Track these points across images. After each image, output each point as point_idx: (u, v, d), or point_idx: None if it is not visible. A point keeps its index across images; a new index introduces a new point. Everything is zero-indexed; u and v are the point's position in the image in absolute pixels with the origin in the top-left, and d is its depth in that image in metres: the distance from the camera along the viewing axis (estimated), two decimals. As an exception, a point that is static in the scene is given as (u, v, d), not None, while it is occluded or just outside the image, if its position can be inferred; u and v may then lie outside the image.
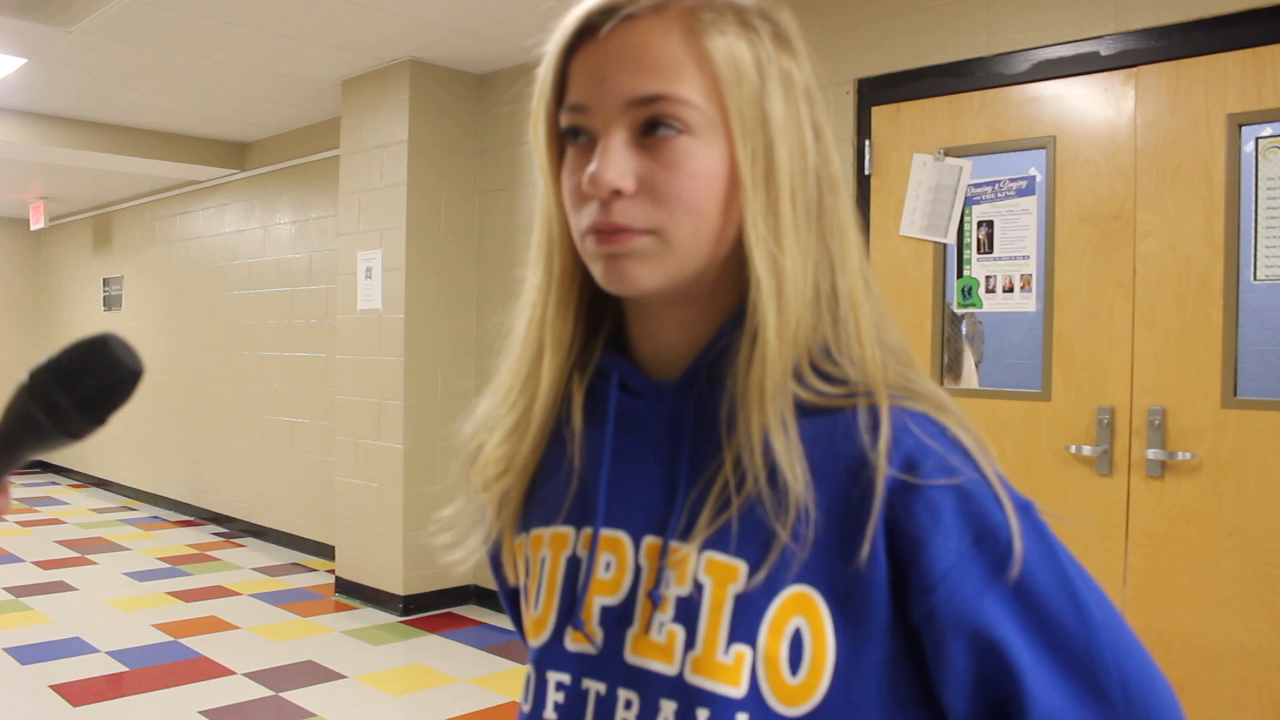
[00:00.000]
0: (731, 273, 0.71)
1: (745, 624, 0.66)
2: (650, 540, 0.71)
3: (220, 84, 5.17)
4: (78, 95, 5.44)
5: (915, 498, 0.64)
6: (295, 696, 3.70)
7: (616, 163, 0.66)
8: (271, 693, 3.74)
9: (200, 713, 3.51)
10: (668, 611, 0.68)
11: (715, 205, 0.68)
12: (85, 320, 9.07)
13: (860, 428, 0.66)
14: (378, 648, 4.33)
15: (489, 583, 4.95)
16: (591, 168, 0.67)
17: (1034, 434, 3.02)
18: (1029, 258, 3.06)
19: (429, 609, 4.88)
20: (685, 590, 0.68)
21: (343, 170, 5.14)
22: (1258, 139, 2.65)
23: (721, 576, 0.67)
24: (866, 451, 0.65)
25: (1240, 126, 2.66)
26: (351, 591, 5.09)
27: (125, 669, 3.96)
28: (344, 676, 3.94)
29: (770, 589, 0.66)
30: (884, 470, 0.64)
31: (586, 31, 0.69)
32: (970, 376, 3.35)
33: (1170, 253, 2.77)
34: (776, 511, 0.66)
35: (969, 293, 3.19)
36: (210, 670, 3.96)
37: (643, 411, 0.74)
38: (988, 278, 3.15)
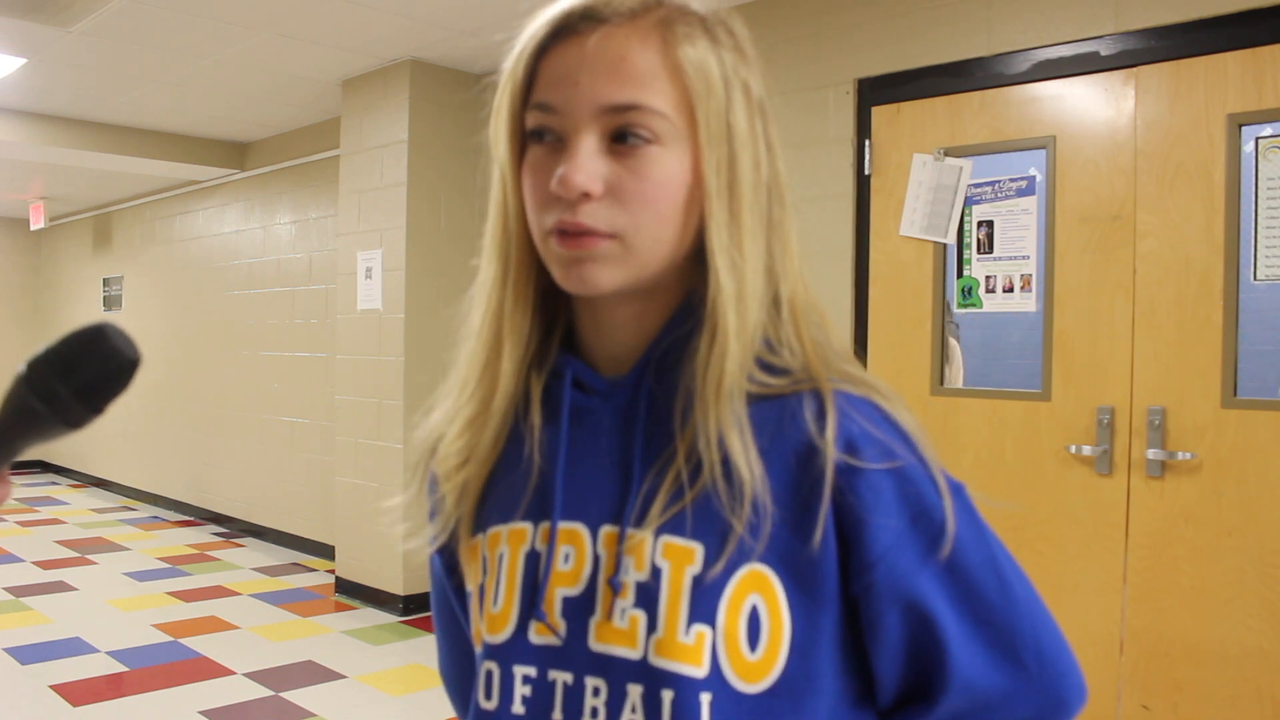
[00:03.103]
0: (681, 272, 0.74)
1: (704, 604, 0.68)
2: (607, 529, 0.72)
3: (220, 84, 5.18)
4: (78, 95, 5.44)
5: (858, 479, 0.68)
6: (295, 696, 3.70)
7: (586, 166, 0.68)
8: (271, 693, 3.74)
9: (200, 713, 3.51)
10: (628, 597, 0.70)
11: (677, 212, 0.70)
12: (85, 320, 9.04)
13: (806, 414, 0.70)
14: (378, 648, 4.33)
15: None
16: (561, 170, 0.68)
17: (1034, 434, 3.02)
18: (1029, 258, 3.06)
19: (429, 609, 4.87)
20: (644, 575, 0.69)
21: (343, 170, 5.14)
22: (1258, 139, 2.65)
23: (679, 559, 0.69)
24: (814, 437, 0.69)
25: (1240, 126, 2.66)
26: (351, 591, 5.09)
27: (125, 669, 3.96)
28: (344, 676, 3.94)
29: (727, 569, 0.68)
30: (832, 454, 0.68)
31: (560, 33, 0.70)
32: (959, 374, 3.36)
33: (1170, 253, 2.77)
34: (731, 504, 0.68)
35: (969, 293, 3.19)
36: (210, 670, 3.96)
37: (596, 407, 0.76)
38: (988, 278, 3.15)
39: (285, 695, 3.71)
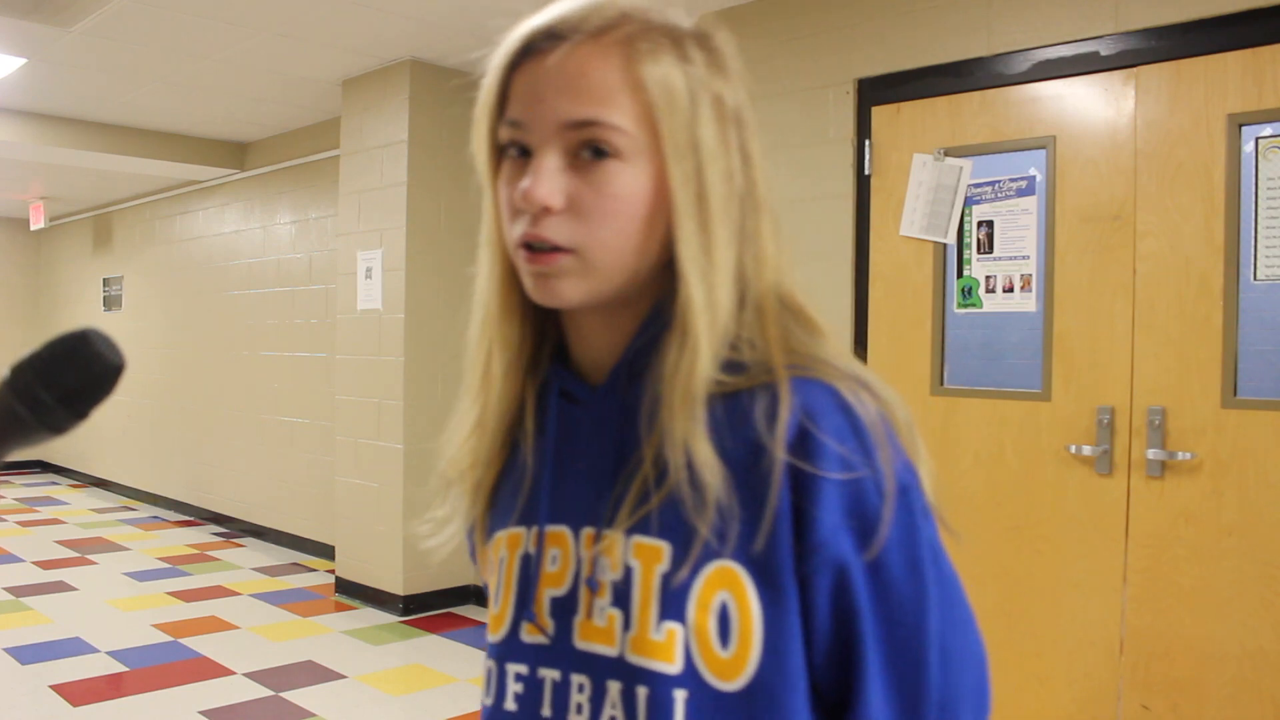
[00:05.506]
0: (653, 281, 0.75)
1: (674, 602, 0.70)
2: (587, 531, 0.76)
3: (220, 84, 5.17)
4: (78, 95, 5.44)
5: (804, 478, 0.69)
6: (295, 696, 3.70)
7: (547, 180, 0.70)
8: (271, 693, 3.74)
9: (200, 713, 3.51)
10: (606, 596, 0.73)
11: (637, 225, 0.72)
12: (85, 320, 9.06)
13: (758, 412, 0.70)
14: (378, 648, 4.33)
15: (489, 583, 4.95)
16: (524, 183, 0.71)
17: (1034, 434, 3.02)
18: (1029, 258, 3.06)
19: (429, 609, 4.88)
20: (618, 574, 0.72)
21: (343, 170, 5.14)
22: (1258, 139, 2.65)
23: (648, 558, 0.71)
24: (764, 437, 0.69)
25: (1240, 126, 2.66)
26: (351, 591, 5.09)
27: (125, 669, 3.96)
28: (344, 676, 3.94)
29: (694, 567, 0.70)
30: (780, 456, 0.69)
31: (528, 50, 0.73)
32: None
33: (1170, 253, 2.77)
34: (696, 507, 0.70)
35: (969, 293, 3.19)
36: (210, 670, 3.96)
37: (579, 415, 0.79)
38: (988, 278, 3.15)
39: (285, 695, 3.71)
